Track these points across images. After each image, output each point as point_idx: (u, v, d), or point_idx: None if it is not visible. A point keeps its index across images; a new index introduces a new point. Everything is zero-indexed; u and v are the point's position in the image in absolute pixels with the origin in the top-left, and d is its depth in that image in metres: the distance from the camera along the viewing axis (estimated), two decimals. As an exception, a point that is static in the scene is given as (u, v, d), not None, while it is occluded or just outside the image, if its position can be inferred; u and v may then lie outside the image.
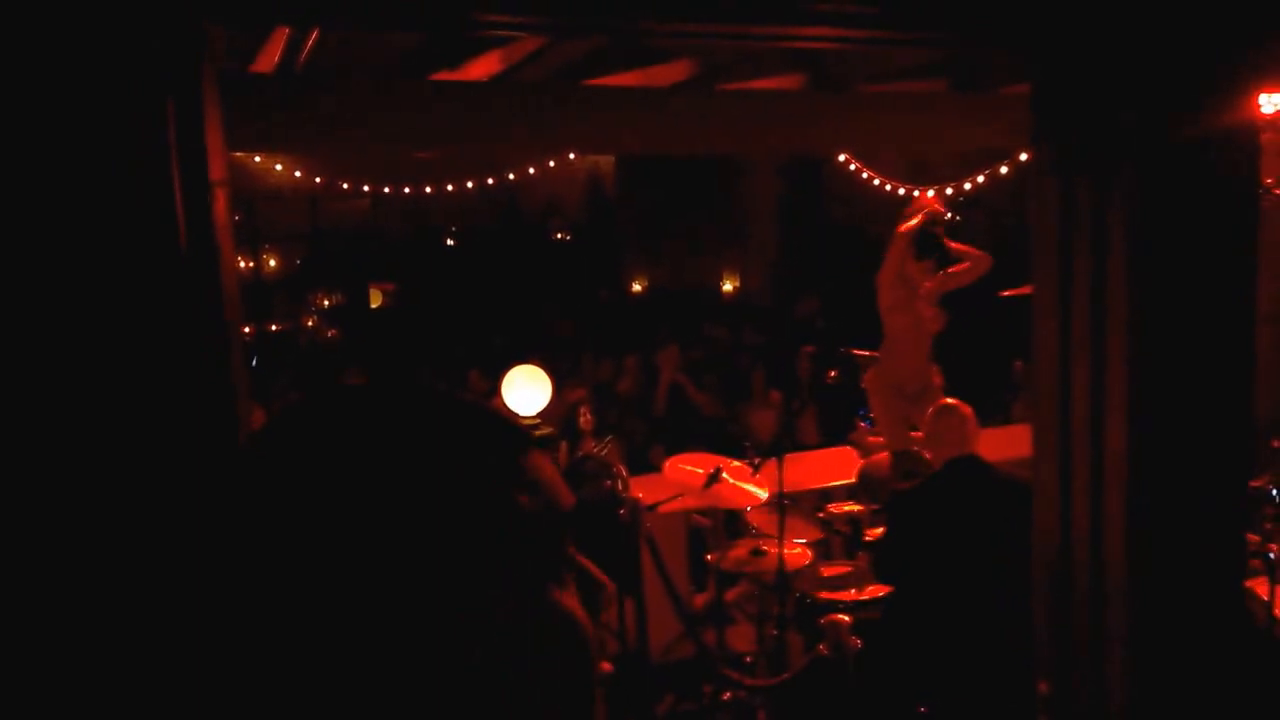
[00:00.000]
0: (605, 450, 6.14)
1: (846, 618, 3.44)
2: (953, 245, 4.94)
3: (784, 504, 4.11)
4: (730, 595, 4.92)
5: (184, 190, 1.50)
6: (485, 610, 0.61)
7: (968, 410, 3.65)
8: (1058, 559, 2.17)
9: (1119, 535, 2.00)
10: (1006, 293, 6.23)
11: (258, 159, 11.23)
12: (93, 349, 1.53)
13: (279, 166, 11.16)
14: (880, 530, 4.34)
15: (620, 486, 4.19)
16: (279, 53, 4.10)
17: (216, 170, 1.59)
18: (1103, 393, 1.98)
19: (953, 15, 1.93)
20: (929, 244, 4.72)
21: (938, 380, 5.18)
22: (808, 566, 4.25)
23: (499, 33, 3.19)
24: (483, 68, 4.54)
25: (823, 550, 4.53)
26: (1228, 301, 1.91)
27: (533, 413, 4.75)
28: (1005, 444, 5.64)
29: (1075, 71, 2.03)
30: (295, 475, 0.63)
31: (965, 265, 4.99)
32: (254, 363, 10.64)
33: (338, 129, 4.45)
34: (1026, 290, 6.42)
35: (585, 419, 7.08)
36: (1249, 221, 1.89)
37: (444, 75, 4.59)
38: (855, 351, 4.66)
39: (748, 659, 4.44)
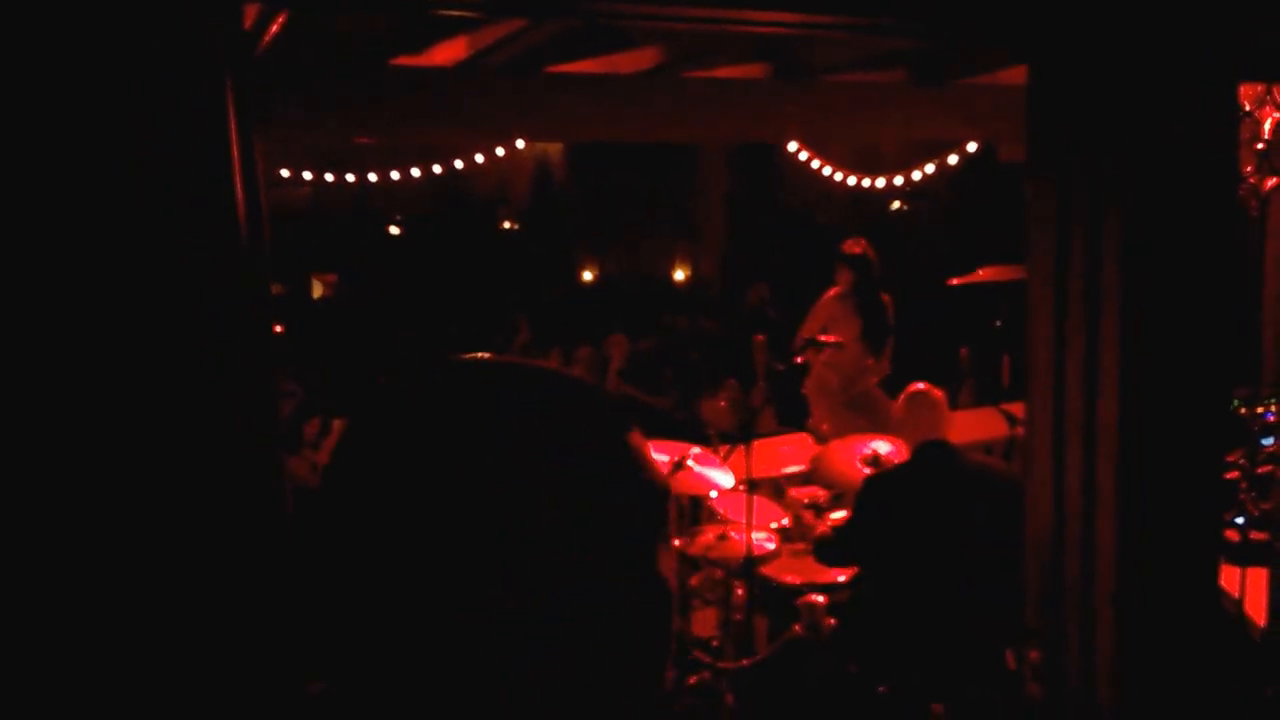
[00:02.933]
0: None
1: (822, 598, 3.50)
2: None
3: (752, 489, 4.16)
4: (693, 581, 4.97)
5: (244, 178, 1.45)
6: (614, 571, 0.64)
7: (939, 394, 3.73)
8: (1051, 533, 2.25)
9: (1110, 507, 2.08)
10: (955, 280, 6.40)
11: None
12: (161, 336, 1.53)
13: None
14: (839, 515, 4.42)
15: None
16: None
17: (260, 158, 1.54)
18: (1095, 371, 2.06)
19: (950, 9, 1.97)
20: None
21: (874, 379, 5.47)
22: (772, 551, 4.32)
23: (458, 12, 3.14)
24: (447, 53, 4.47)
25: (785, 534, 4.60)
26: (1211, 284, 2.00)
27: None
28: (952, 429, 5.81)
29: (1070, 65, 2.09)
30: (425, 446, 0.63)
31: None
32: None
33: (295, 113, 4.34)
34: (974, 278, 6.63)
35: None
36: (1229, 208, 1.98)
37: (405, 60, 4.51)
38: (822, 339, 4.73)
39: (714, 643, 4.48)
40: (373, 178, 10.90)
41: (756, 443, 4.51)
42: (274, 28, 3.85)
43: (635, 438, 0.70)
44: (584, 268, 12.72)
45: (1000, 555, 3.29)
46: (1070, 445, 2.29)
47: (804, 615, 3.46)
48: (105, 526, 1.57)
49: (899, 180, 7.12)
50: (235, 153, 1.49)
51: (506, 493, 0.62)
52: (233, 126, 1.49)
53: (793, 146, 7.00)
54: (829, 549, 3.66)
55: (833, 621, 3.47)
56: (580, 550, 0.63)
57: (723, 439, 5.57)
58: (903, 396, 3.82)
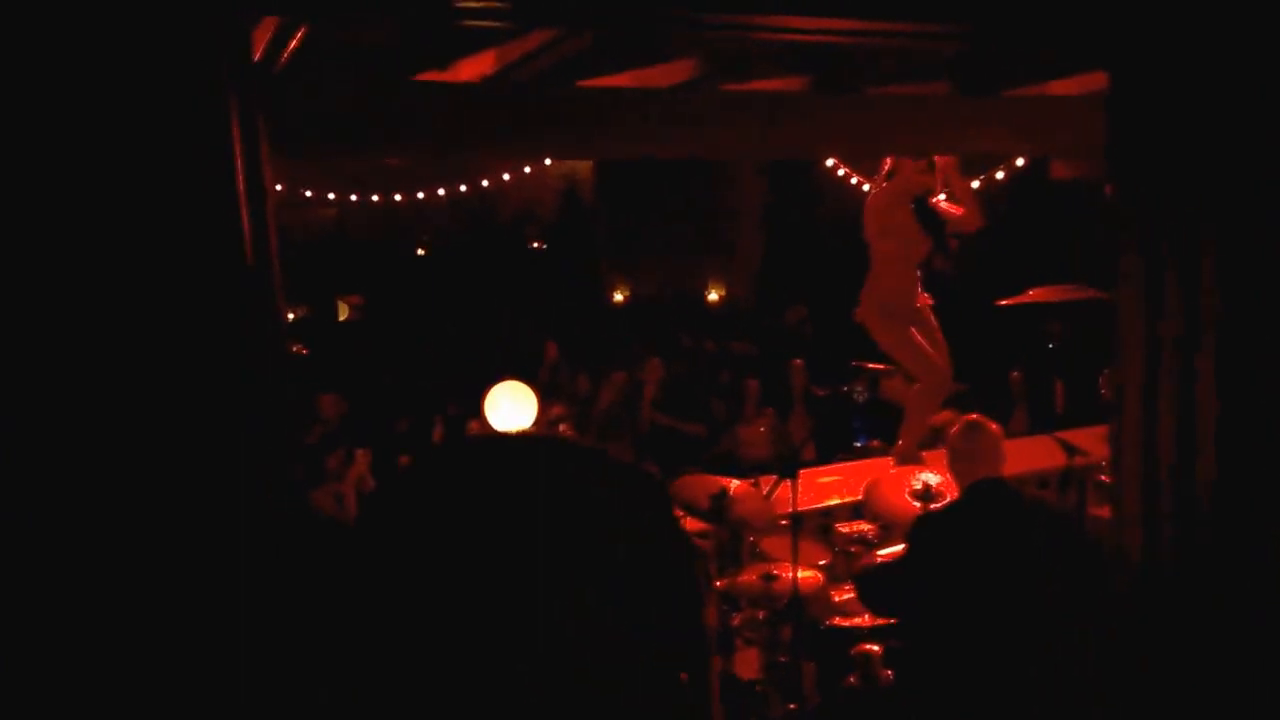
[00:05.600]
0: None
1: (877, 648, 3.23)
2: (946, 209, 5.41)
3: (798, 525, 3.92)
4: (735, 620, 4.72)
5: (249, 198, 1.38)
6: (674, 623, 0.80)
7: (996, 427, 3.46)
8: (1139, 586, 2.00)
9: (1207, 571, 1.84)
10: (1004, 301, 6.11)
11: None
12: (162, 358, 1.54)
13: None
14: (890, 552, 4.16)
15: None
16: (260, 52, 3.82)
17: (269, 177, 1.40)
18: (1191, 417, 1.81)
19: (1039, 17, 1.75)
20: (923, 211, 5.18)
21: (926, 300, 5.30)
22: (819, 590, 4.06)
23: (485, 23, 2.97)
24: (474, 68, 4.29)
25: (832, 572, 4.34)
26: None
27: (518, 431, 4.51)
28: (1009, 459, 5.51)
29: (1158, 70, 1.86)
30: (487, 515, 0.77)
31: (959, 213, 5.40)
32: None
33: (318, 132, 4.17)
34: (1024, 299, 6.34)
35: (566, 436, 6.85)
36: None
37: (431, 76, 4.33)
38: (868, 365, 4.48)
39: (757, 688, 4.23)
40: (399, 198, 10.82)
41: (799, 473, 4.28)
42: (293, 44, 3.70)
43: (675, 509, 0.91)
44: (614, 288, 12.52)
45: (1063, 602, 3.06)
46: (1164, 494, 2.04)
47: (859, 666, 3.19)
48: (97, 547, 1.59)
49: (942, 197, 6.85)
50: (240, 174, 1.48)
51: (578, 556, 0.74)
52: (238, 148, 1.46)
53: (831, 162, 6.76)
54: (874, 588, 3.37)
55: (890, 673, 3.20)
56: (640, 607, 0.75)
57: (761, 469, 5.33)
58: (957, 427, 3.55)
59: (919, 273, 5.34)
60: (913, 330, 5.24)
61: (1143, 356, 2.04)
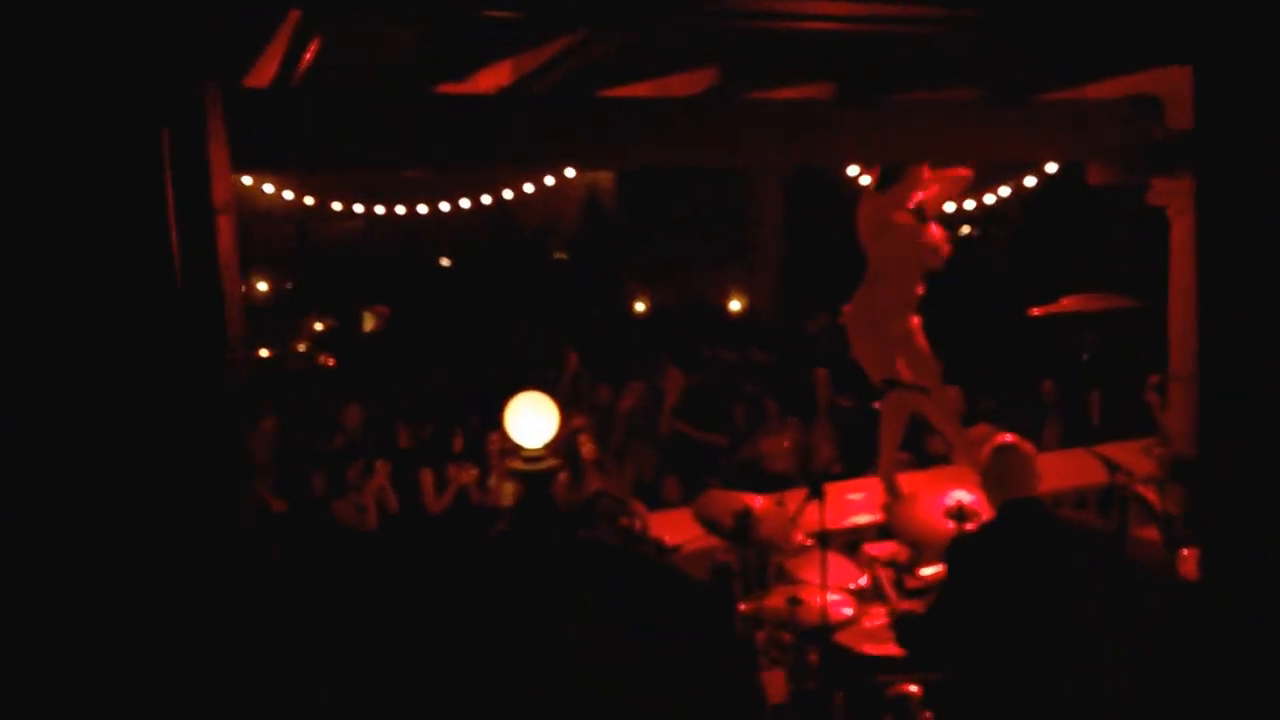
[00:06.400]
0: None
1: (916, 689, 3.08)
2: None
3: (826, 544, 3.78)
4: (759, 639, 4.60)
5: (181, 219, 1.33)
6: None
7: (1029, 448, 3.32)
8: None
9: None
10: (1037, 310, 5.95)
11: (247, 180, 10.89)
12: (84, 377, 1.55)
13: (268, 188, 10.82)
14: (930, 573, 4.01)
15: (638, 526, 3.86)
16: (276, 66, 3.78)
17: (220, 194, 1.33)
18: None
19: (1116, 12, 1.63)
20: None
21: (916, 322, 5.09)
22: (850, 617, 3.92)
23: (501, 13, 2.89)
24: (490, 79, 4.22)
25: (862, 595, 4.19)
26: None
27: (539, 444, 4.41)
28: (1045, 475, 5.31)
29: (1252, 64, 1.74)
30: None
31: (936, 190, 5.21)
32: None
33: (334, 146, 4.12)
34: (1058, 307, 6.15)
35: (588, 448, 6.74)
36: None
37: (449, 88, 4.27)
38: (903, 380, 4.34)
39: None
40: (422, 210, 10.82)
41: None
42: (308, 56, 3.65)
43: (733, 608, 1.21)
44: (636, 298, 12.44)
45: (1099, 623, 2.94)
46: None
47: (896, 709, 3.04)
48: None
49: (969, 204, 6.70)
50: (170, 193, 1.42)
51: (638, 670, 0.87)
52: (167, 168, 1.45)
53: (854, 170, 6.63)
54: (919, 633, 3.20)
55: (930, 716, 3.05)
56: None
57: (784, 483, 5.20)
58: (989, 447, 3.42)
59: (918, 289, 5.14)
60: (892, 352, 5.04)
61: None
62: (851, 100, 4.58)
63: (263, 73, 3.83)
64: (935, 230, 5.19)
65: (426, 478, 6.40)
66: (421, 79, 4.19)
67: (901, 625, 3.22)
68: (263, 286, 12.16)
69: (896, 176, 5.10)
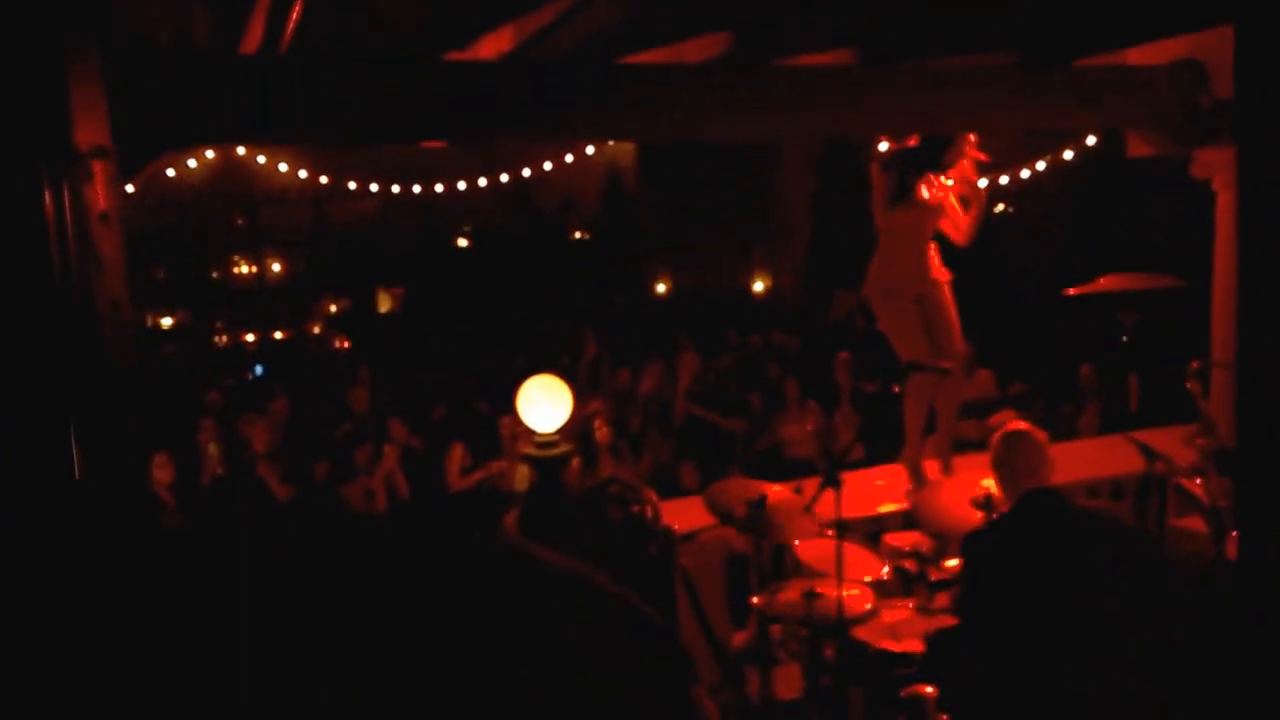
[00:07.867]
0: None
1: (931, 690, 2.88)
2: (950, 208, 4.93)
3: (843, 534, 3.57)
4: (775, 632, 4.41)
5: (64, 221, 1.27)
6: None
7: (1041, 435, 3.13)
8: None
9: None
10: (1073, 290, 5.66)
11: (261, 159, 10.79)
12: None
13: (283, 166, 10.70)
14: (955, 564, 3.81)
15: (650, 514, 3.68)
16: (260, 32, 3.59)
17: (85, 137, 1.13)
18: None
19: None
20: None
21: (944, 276, 4.80)
22: (869, 611, 3.71)
23: None
24: (492, 46, 4.02)
25: (882, 588, 3.99)
26: None
27: (552, 429, 4.24)
28: (1074, 462, 5.08)
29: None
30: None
31: (959, 217, 4.90)
32: (259, 372, 10.19)
33: (325, 116, 3.94)
34: (1095, 287, 5.82)
35: (602, 432, 6.57)
36: None
37: (450, 56, 4.07)
38: (928, 363, 4.10)
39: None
40: (439, 188, 10.66)
41: (843, 476, 3.96)
42: (293, 15, 3.46)
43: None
44: (657, 279, 12.21)
45: (1123, 618, 2.77)
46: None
47: (911, 711, 2.85)
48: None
49: (1004, 179, 6.39)
50: (49, 202, 1.35)
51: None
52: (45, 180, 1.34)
53: (884, 146, 6.35)
54: (956, 648, 3.01)
55: (946, 719, 2.86)
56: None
57: (805, 470, 4.99)
58: (999, 435, 3.23)
59: (933, 248, 4.84)
60: (915, 321, 4.77)
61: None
62: (875, 66, 4.32)
63: (252, 39, 3.65)
64: (956, 209, 4.91)
65: (457, 451, 6.30)
66: (422, 46, 3.99)
67: (934, 646, 3.03)
68: (277, 268, 12.08)
69: (946, 151, 4.79)
